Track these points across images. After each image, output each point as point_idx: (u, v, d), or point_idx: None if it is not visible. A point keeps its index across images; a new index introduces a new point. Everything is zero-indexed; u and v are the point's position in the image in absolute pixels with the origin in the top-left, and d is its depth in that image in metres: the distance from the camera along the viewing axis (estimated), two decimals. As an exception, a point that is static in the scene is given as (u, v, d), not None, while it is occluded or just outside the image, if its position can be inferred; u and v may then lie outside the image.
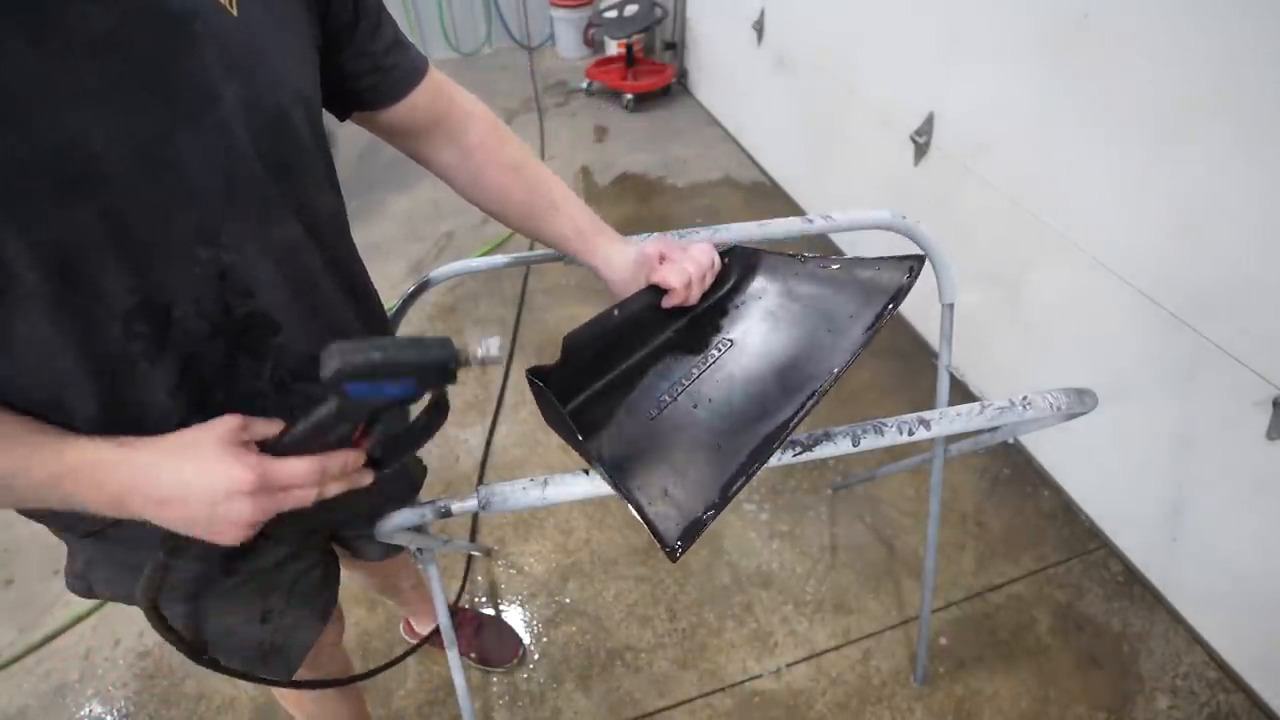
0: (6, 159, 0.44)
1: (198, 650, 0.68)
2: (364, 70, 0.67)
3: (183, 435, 0.51)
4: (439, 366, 0.51)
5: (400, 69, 0.70)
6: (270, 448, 0.52)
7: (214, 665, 0.70)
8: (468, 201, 0.81)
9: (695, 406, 0.71)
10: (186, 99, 0.50)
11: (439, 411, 0.57)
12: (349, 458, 0.54)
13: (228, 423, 0.51)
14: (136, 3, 0.47)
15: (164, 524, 0.51)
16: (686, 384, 0.74)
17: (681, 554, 0.57)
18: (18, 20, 0.43)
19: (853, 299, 0.75)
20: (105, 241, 0.49)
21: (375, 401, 0.51)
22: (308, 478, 0.52)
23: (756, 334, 0.78)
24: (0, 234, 0.45)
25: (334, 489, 0.55)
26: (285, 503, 0.52)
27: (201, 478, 0.49)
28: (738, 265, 0.84)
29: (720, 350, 0.77)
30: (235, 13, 0.52)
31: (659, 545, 0.58)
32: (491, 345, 0.52)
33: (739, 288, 0.83)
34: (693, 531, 0.58)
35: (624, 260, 0.78)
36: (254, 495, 0.49)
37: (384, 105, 0.71)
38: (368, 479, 0.56)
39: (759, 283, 0.83)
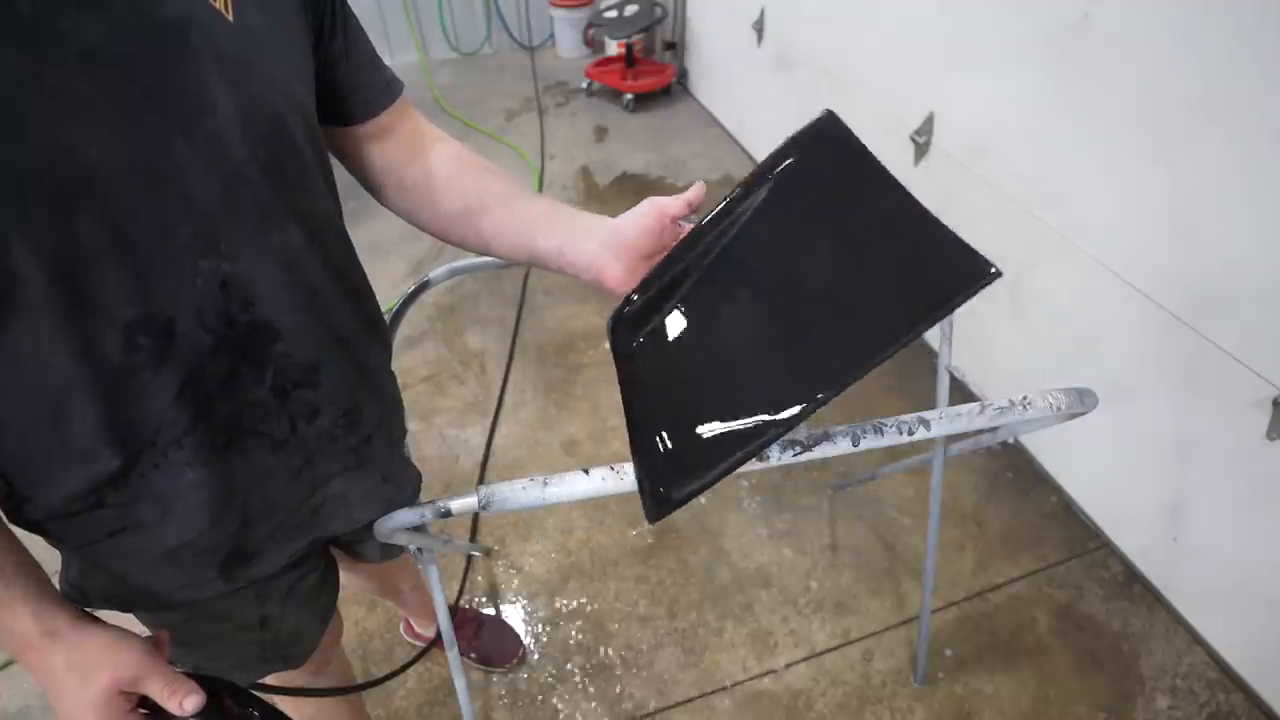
0: (2, 169, 0.43)
1: None
2: (340, 83, 0.66)
3: (84, 662, 0.55)
4: None
5: (374, 87, 0.70)
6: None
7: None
8: (425, 227, 0.79)
9: (705, 334, 0.64)
10: (182, 109, 0.49)
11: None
12: None
13: (121, 671, 0.55)
14: (131, 12, 0.46)
15: None
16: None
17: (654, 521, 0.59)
18: (8, 30, 0.42)
19: (903, 288, 0.61)
20: (106, 252, 0.48)
21: None
22: None
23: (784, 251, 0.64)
24: (5, 239, 0.45)
25: None
26: None
27: (69, 715, 0.55)
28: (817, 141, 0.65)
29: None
30: (231, 19, 0.51)
31: (646, 507, 0.58)
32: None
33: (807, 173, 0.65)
34: (665, 511, 0.58)
35: (601, 225, 0.70)
36: None
37: (354, 122, 0.70)
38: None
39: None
